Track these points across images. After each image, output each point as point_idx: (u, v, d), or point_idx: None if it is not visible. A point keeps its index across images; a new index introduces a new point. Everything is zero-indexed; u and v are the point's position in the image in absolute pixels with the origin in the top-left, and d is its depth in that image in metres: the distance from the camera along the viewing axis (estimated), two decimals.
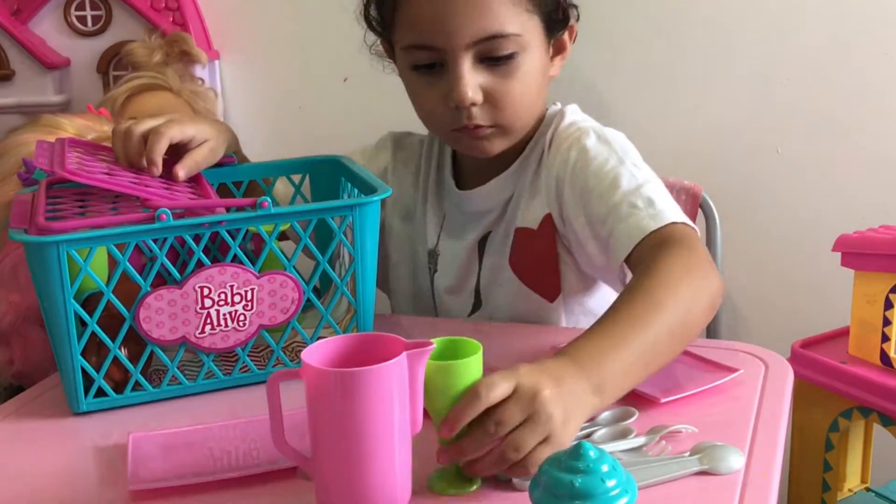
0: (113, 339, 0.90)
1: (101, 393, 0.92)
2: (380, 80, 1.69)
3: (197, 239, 0.90)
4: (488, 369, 0.79)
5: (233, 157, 1.12)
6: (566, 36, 1.12)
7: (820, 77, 1.50)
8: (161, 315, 0.90)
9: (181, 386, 0.94)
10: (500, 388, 0.72)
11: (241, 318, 0.92)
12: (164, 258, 0.89)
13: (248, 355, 0.95)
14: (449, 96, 1.04)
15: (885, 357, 1.13)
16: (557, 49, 1.12)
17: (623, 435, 0.82)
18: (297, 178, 1.15)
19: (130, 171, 0.99)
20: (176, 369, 0.93)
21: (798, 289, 1.57)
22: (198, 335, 0.91)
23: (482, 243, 1.16)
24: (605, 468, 0.64)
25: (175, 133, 1.00)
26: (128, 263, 0.88)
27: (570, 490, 0.63)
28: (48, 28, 1.65)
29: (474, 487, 0.75)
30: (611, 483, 0.63)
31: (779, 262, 1.58)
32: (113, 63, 1.65)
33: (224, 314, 0.91)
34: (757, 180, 1.56)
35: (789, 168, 1.54)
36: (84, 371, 0.91)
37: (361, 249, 0.96)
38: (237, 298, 0.91)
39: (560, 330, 1.16)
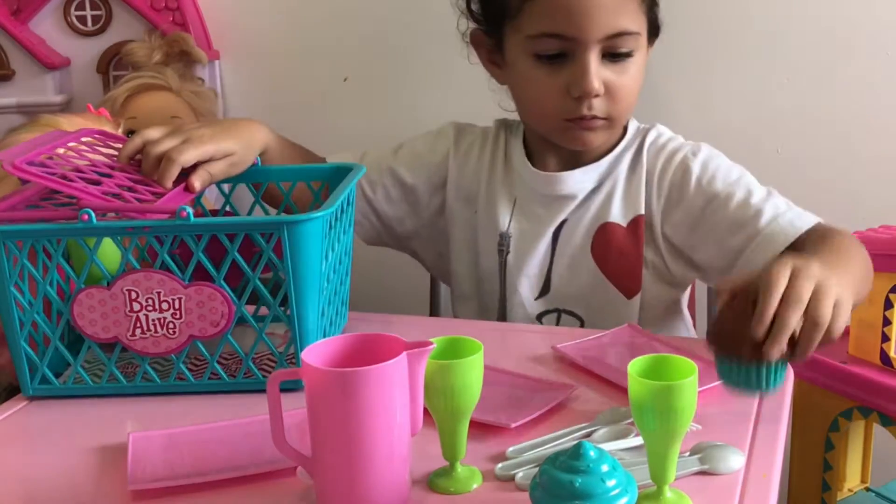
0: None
1: (45, 380, 0.95)
2: (380, 80, 1.70)
3: (126, 242, 0.90)
4: (488, 369, 0.79)
5: (255, 158, 1.11)
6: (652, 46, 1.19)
7: (820, 77, 1.50)
8: (93, 313, 0.90)
9: (118, 385, 0.94)
10: (782, 274, 0.78)
11: (171, 325, 0.91)
12: (96, 258, 0.89)
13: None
14: (573, 86, 1.09)
15: (885, 357, 1.13)
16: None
17: (623, 435, 0.82)
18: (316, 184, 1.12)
19: (134, 170, 0.99)
20: (114, 367, 0.94)
21: None
22: (129, 337, 0.91)
23: (557, 231, 1.19)
24: (605, 468, 0.64)
25: (190, 157, 0.98)
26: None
27: (570, 490, 0.63)
28: (48, 28, 1.65)
29: (474, 487, 0.75)
30: (611, 483, 0.63)
31: None
32: (113, 63, 1.65)
33: (153, 320, 0.91)
34: (757, 180, 1.56)
35: (789, 168, 1.54)
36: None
37: (294, 270, 0.90)
38: (165, 306, 0.90)
39: (560, 330, 1.16)
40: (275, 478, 0.77)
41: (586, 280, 1.18)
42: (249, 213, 1.16)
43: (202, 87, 1.62)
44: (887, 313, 1.11)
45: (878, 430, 1.22)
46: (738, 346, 0.78)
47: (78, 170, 0.95)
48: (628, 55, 1.11)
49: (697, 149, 1.18)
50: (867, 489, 1.28)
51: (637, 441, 0.80)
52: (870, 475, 1.29)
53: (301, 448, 0.73)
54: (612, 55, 1.10)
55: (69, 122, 1.22)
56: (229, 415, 0.88)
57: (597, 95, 1.09)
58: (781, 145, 1.53)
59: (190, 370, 0.95)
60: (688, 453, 0.78)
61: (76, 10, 1.63)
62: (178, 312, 0.91)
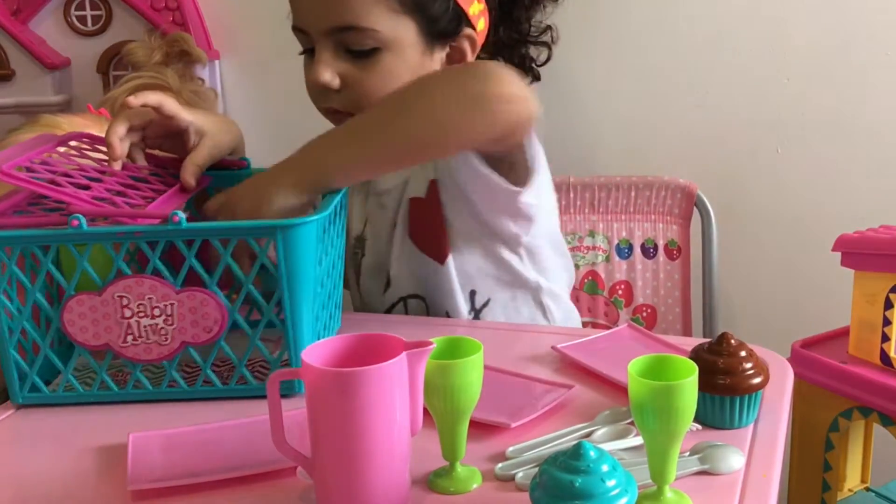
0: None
1: (34, 389, 0.93)
2: None
3: (117, 247, 0.89)
4: (488, 369, 0.79)
5: (246, 160, 1.11)
6: (466, 46, 1.14)
7: (820, 77, 1.50)
8: (84, 320, 0.89)
9: (109, 392, 0.93)
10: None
11: (163, 332, 0.90)
12: (86, 264, 0.88)
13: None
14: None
15: (885, 357, 1.13)
16: (454, 57, 1.14)
17: (623, 435, 0.82)
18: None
19: (124, 174, 0.98)
20: (105, 374, 0.92)
21: (798, 289, 1.57)
22: (121, 344, 0.90)
23: (395, 225, 1.20)
24: (605, 468, 0.64)
25: (143, 99, 1.00)
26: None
27: (570, 490, 0.63)
28: (48, 28, 1.65)
29: (474, 487, 0.75)
30: (611, 483, 0.63)
31: (779, 262, 1.58)
32: (113, 63, 1.65)
33: (145, 326, 0.89)
34: (757, 180, 1.56)
35: (789, 168, 1.54)
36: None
37: (289, 274, 0.89)
38: (157, 312, 0.89)
39: (559, 330, 1.16)
40: (275, 478, 0.77)
41: (409, 260, 1.18)
42: None
43: (202, 87, 1.62)
44: (887, 313, 1.11)
45: (878, 430, 1.22)
46: None
47: (67, 174, 0.94)
48: (371, 52, 1.08)
49: None
50: (867, 489, 1.28)
51: (637, 441, 0.80)
52: (870, 475, 1.29)
53: (301, 448, 0.73)
54: (353, 51, 1.08)
55: (69, 123, 1.22)
56: (226, 419, 0.88)
57: (327, 88, 1.09)
58: (781, 145, 1.53)
59: (182, 377, 0.94)
60: (688, 453, 0.78)
61: (76, 10, 1.63)
62: (170, 318, 0.89)
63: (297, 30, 1.13)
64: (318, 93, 1.11)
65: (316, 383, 0.69)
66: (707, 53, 1.54)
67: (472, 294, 1.18)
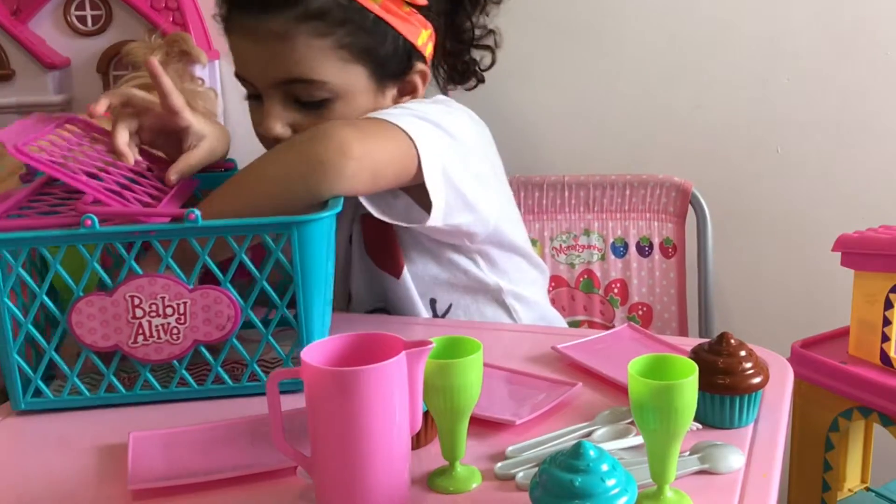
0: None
1: (37, 393, 0.92)
2: None
3: (129, 247, 0.87)
4: (490, 367, 0.79)
5: (233, 162, 1.10)
6: (417, 79, 1.13)
7: (820, 77, 1.50)
8: (93, 321, 0.88)
9: (117, 395, 0.92)
10: None
11: (175, 331, 0.89)
12: (96, 264, 0.87)
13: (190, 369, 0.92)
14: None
15: (885, 357, 1.13)
16: (406, 90, 1.13)
17: (623, 435, 0.82)
18: None
19: (126, 168, 0.98)
20: (112, 376, 0.91)
21: (798, 288, 1.57)
22: (130, 344, 0.89)
23: (351, 241, 1.19)
24: (605, 468, 0.64)
25: (134, 91, 0.99)
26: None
27: (570, 490, 0.63)
28: (48, 28, 1.64)
29: (474, 486, 0.75)
30: (611, 483, 0.64)
31: (779, 262, 1.58)
32: (113, 63, 1.64)
33: (156, 326, 0.89)
34: (757, 180, 1.56)
35: (789, 168, 1.54)
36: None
37: (303, 270, 0.89)
38: (169, 311, 0.88)
39: (561, 330, 1.16)
40: (275, 478, 0.77)
41: (369, 275, 1.18)
42: None
43: (202, 87, 1.62)
44: (887, 313, 1.12)
45: (878, 430, 1.22)
46: None
47: (75, 159, 0.93)
48: (323, 102, 1.06)
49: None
50: (867, 489, 1.28)
51: (637, 441, 0.80)
52: (870, 475, 1.29)
53: (301, 448, 0.73)
54: (303, 101, 1.07)
55: None
56: (227, 418, 0.88)
57: (279, 139, 1.06)
58: (781, 145, 1.54)
59: (191, 374, 0.93)
60: (688, 453, 0.78)
61: (76, 10, 1.63)
62: (182, 317, 0.89)
63: (242, 78, 1.10)
64: (270, 142, 1.08)
65: (315, 383, 0.69)
66: (707, 53, 1.54)
67: (433, 302, 1.17)
